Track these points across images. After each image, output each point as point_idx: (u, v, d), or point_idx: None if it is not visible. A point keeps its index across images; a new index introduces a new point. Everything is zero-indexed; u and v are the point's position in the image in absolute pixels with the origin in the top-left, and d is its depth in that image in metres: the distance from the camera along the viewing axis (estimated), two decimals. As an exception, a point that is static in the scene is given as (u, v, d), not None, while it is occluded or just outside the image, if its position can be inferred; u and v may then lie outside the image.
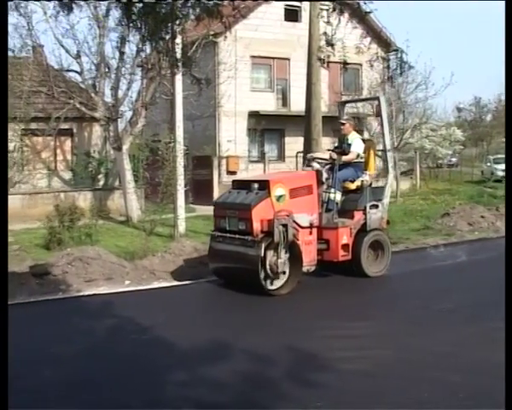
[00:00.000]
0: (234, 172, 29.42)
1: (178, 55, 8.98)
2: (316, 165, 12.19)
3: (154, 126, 28.84)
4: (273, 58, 32.46)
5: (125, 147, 21.94)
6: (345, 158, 12.18)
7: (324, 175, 11.89)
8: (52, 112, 23.52)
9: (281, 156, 32.57)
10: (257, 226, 10.70)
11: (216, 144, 31.00)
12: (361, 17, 10.53)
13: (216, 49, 29.74)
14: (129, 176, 21.96)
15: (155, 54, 18.93)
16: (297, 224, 11.10)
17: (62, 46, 22.58)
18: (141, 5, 7.78)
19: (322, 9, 14.21)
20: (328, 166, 12.10)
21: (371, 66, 9.99)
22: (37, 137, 24.00)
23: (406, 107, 33.67)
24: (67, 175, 26.00)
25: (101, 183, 26.12)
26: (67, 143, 26.70)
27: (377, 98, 13.84)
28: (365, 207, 12.19)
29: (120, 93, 22.57)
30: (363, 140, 13.04)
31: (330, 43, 8.96)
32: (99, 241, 15.80)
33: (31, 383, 6.90)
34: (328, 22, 9.56)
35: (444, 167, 46.86)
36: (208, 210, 16.25)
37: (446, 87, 34.03)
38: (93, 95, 22.62)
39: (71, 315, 9.94)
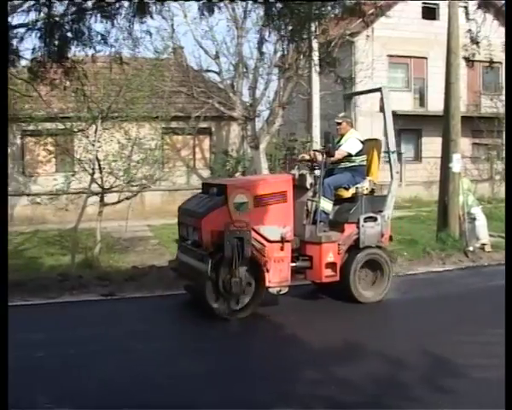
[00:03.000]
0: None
1: (319, 55, 9.02)
2: (302, 168, 10.81)
3: (291, 126, 29.06)
4: (410, 57, 31.92)
5: (262, 146, 22.21)
6: (332, 159, 10.42)
7: (309, 180, 10.30)
8: (192, 111, 24.20)
9: (417, 157, 32.01)
10: (207, 238, 9.25)
11: (352, 144, 30.77)
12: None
13: (352, 49, 29.58)
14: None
15: (293, 53, 19.14)
16: (263, 237, 9.51)
17: (202, 47, 23.26)
18: (281, 6, 7.87)
19: (464, 7, 13.88)
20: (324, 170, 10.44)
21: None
22: (177, 136, 24.69)
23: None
24: (206, 173, 26.61)
25: (239, 181, 26.51)
26: (206, 142, 27.37)
27: (379, 90, 11.58)
28: (359, 220, 10.27)
29: (258, 93, 22.93)
30: (364, 140, 11.12)
31: (475, 41, 8.70)
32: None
33: (174, 374, 7.09)
34: (470, 19, 9.35)
35: None
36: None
37: None
38: (231, 94, 23.05)
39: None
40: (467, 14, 14.83)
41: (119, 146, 14.77)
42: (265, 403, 6.25)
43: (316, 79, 18.07)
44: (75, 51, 9.53)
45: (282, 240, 9.61)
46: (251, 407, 6.18)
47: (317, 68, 11.93)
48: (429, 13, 31.58)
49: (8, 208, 22.50)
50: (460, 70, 15.58)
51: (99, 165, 14.04)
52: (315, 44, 12.11)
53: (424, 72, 32.20)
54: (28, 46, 9.58)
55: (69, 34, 9.00)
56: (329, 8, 8.52)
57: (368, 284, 10.51)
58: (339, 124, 11.09)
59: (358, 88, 28.61)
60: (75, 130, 15.20)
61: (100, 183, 14.16)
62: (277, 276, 9.63)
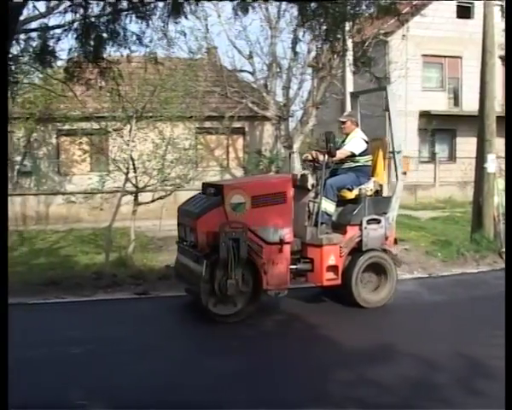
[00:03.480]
0: (404, 173, 28.97)
1: (353, 55, 8.99)
2: (305, 168, 10.57)
3: (325, 126, 28.97)
4: (444, 57, 31.69)
5: (296, 146, 22.20)
6: (333, 159, 10.09)
7: (310, 181, 10.01)
8: (225, 111, 24.27)
9: (451, 157, 31.80)
10: (203, 239, 9.14)
11: (385, 144, 30.63)
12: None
13: (386, 49, 29.41)
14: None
15: (326, 53, 19.10)
16: (261, 239, 9.30)
17: (235, 47, 23.34)
18: (315, 5, 7.86)
19: (500, 5, 13.68)
20: (328, 170, 10.21)
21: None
22: (210, 136, 24.79)
23: None
24: (239, 173, 26.64)
25: (272, 180, 26.47)
26: (239, 142, 27.42)
27: (384, 89, 11.11)
28: (361, 222, 9.97)
29: (291, 93, 22.95)
30: (369, 140, 10.63)
31: (512, 40, 8.58)
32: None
33: (200, 374, 7.13)
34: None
35: None
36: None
37: None
38: (265, 94, 23.08)
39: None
40: (503, 12, 14.64)
41: (154, 146, 14.84)
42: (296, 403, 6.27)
43: (349, 78, 18.01)
44: (110, 51, 9.61)
45: (281, 242, 9.38)
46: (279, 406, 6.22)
47: (352, 68, 11.82)
48: (464, 12, 31.30)
49: (44, 207, 22.83)
50: (495, 69, 15.44)
51: (133, 164, 14.12)
52: (349, 44, 12.08)
53: (459, 71, 31.96)
54: (64, 47, 9.69)
55: (105, 35, 9.09)
56: (364, 7, 8.50)
57: (371, 288, 10.21)
58: (343, 123, 10.73)
59: (392, 88, 28.54)
60: (110, 129, 15.30)
61: (134, 182, 14.24)
62: (275, 278, 9.40)
